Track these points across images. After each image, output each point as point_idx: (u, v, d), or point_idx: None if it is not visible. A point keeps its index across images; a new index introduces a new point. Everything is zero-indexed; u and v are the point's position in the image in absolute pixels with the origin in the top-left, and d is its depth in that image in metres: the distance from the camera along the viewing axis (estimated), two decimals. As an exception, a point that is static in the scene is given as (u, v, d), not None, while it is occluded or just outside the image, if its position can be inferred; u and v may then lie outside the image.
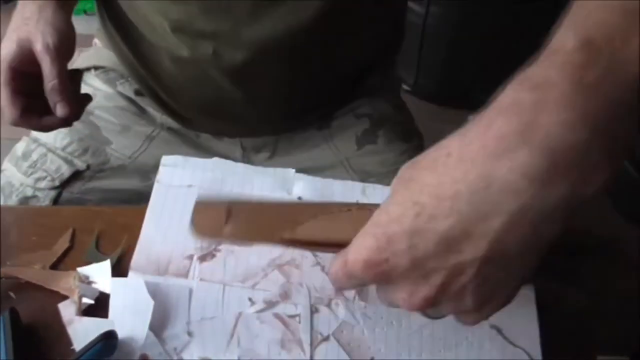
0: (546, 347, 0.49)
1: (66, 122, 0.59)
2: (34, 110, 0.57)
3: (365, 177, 0.73)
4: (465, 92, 1.67)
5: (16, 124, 0.57)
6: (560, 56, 0.28)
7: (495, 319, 0.50)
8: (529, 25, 0.65)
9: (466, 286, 0.30)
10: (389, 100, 0.82)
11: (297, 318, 0.49)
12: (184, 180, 0.56)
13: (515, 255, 0.29)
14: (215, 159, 0.59)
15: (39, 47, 0.56)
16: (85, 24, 2.12)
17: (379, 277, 0.31)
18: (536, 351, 0.49)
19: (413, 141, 0.79)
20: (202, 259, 0.52)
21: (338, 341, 0.48)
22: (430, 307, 0.32)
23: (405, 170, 0.32)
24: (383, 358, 0.48)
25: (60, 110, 0.56)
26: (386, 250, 0.30)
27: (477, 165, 0.28)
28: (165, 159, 0.58)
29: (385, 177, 0.74)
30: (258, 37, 0.60)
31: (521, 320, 0.50)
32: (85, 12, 1.85)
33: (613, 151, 0.27)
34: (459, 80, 1.67)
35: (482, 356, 0.48)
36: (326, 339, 0.48)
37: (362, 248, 0.31)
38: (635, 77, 0.27)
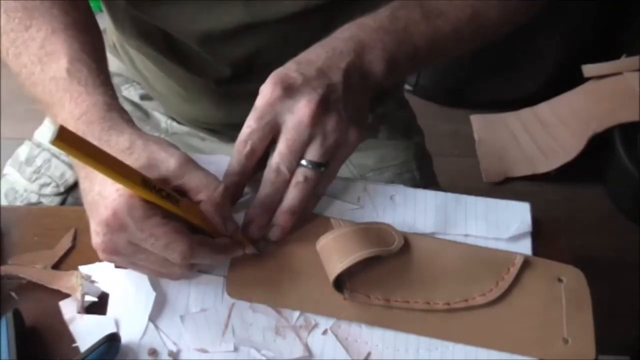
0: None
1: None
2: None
3: (364, 170, 0.73)
4: (464, 93, 1.67)
5: (189, 258, 0.44)
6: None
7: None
8: (524, 28, 0.66)
9: (339, 100, 0.50)
10: (392, 97, 0.82)
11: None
12: None
13: (357, 90, 0.52)
14: (219, 155, 0.58)
15: (173, 164, 0.44)
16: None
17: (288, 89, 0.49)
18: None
19: (414, 138, 0.80)
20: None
21: (336, 336, 0.48)
22: (323, 109, 0.49)
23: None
24: (380, 354, 0.48)
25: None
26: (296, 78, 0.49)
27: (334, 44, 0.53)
28: None
29: (384, 171, 0.73)
30: None
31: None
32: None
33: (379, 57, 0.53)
34: (458, 81, 1.68)
35: (480, 354, 0.48)
36: (324, 332, 0.49)
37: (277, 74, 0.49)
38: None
